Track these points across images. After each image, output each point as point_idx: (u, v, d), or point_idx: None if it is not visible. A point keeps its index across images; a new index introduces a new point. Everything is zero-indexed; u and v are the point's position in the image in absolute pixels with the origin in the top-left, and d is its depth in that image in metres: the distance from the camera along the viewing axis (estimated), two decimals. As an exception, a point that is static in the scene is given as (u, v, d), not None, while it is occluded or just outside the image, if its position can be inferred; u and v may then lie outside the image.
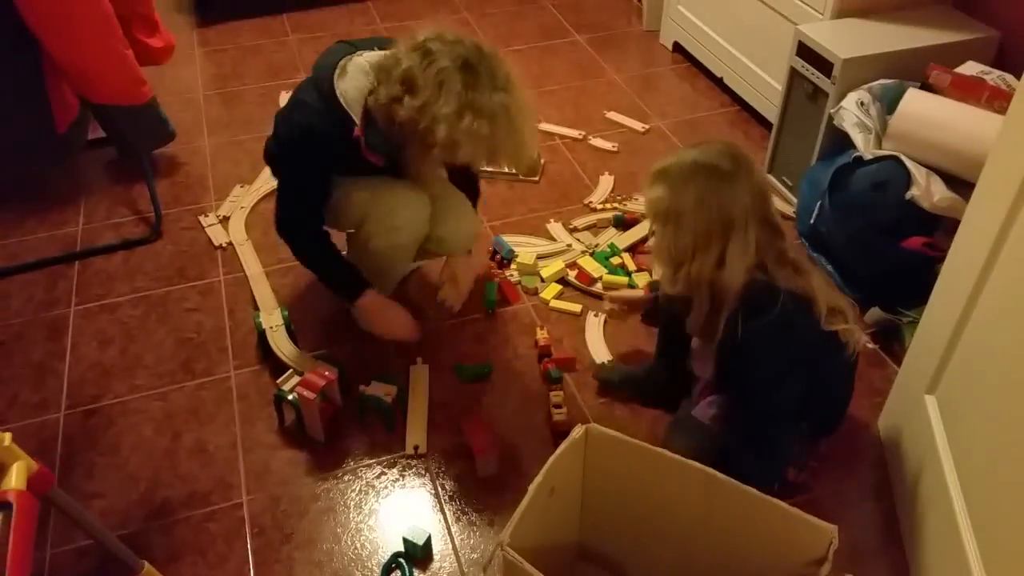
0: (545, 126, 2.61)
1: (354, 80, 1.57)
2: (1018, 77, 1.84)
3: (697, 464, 1.21)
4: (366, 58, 1.59)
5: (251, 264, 2.09)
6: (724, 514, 1.23)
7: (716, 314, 1.39)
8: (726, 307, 1.37)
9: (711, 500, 1.23)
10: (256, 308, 1.95)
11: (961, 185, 1.76)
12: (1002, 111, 1.77)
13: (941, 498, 1.33)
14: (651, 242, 1.46)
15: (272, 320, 1.86)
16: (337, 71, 1.58)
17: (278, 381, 1.72)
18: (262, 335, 1.84)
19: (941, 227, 1.78)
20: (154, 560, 1.42)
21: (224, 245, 2.16)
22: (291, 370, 1.74)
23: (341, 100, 1.56)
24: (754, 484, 1.18)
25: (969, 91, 1.81)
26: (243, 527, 1.53)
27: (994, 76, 1.84)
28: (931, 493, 1.39)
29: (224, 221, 2.25)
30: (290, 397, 1.65)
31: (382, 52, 1.58)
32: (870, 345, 1.83)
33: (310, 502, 1.57)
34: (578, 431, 1.26)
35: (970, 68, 1.89)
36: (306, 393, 1.61)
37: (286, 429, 1.70)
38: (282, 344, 1.81)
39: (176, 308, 1.99)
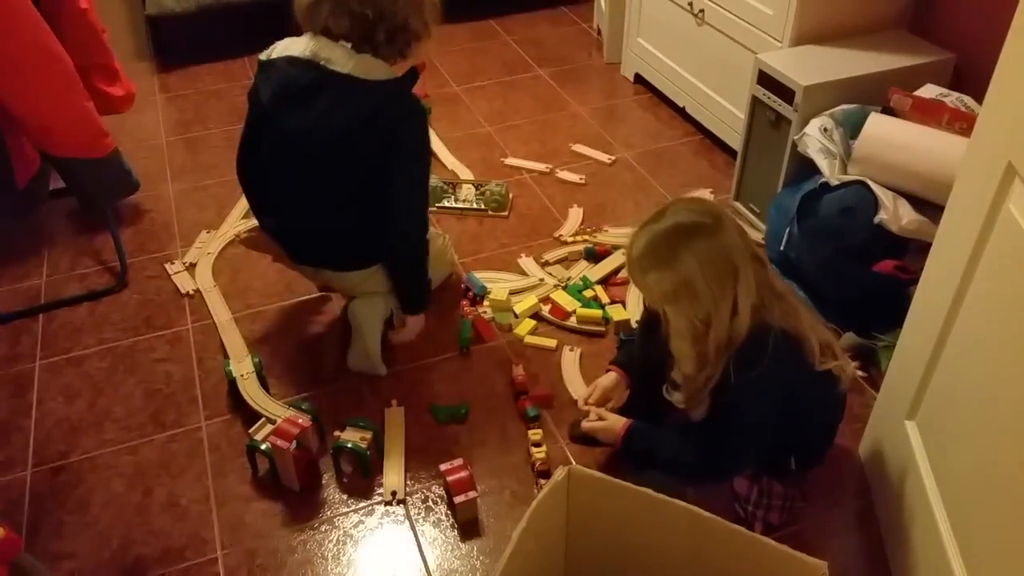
0: (512, 160, 2.62)
1: (368, 64, 1.61)
2: (976, 98, 1.88)
3: (683, 504, 1.19)
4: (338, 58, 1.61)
5: (219, 311, 2.05)
6: (711, 553, 1.21)
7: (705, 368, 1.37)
8: (722, 358, 1.34)
9: (697, 540, 1.21)
10: (226, 356, 1.91)
11: (928, 207, 1.78)
12: (963, 132, 1.82)
13: (926, 524, 1.33)
14: (666, 328, 1.41)
15: (242, 368, 1.82)
16: (350, 70, 1.59)
17: (250, 431, 1.68)
18: (233, 384, 1.79)
19: (911, 250, 1.80)
20: (127, 625, 1.38)
21: (191, 292, 2.13)
22: (263, 419, 1.70)
23: (378, 79, 1.61)
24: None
25: (930, 113, 1.85)
26: (219, 584, 1.48)
27: (953, 98, 1.87)
28: (916, 519, 1.38)
29: (191, 268, 2.21)
30: (263, 447, 1.61)
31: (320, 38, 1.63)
32: (861, 374, 1.82)
33: (287, 555, 1.53)
34: (560, 473, 1.24)
35: (929, 91, 1.92)
36: (280, 442, 1.57)
37: (260, 480, 1.66)
38: (253, 392, 1.77)
39: (144, 359, 1.95)
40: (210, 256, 2.24)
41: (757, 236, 2.24)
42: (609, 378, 1.67)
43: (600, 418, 1.60)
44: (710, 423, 1.42)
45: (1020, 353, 1.08)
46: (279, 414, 1.69)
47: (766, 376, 1.32)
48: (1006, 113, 1.16)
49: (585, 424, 1.62)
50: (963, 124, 1.82)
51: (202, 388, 1.86)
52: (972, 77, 2.05)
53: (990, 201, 1.17)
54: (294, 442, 1.58)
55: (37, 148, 2.11)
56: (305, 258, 1.86)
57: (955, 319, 1.30)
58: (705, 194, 2.42)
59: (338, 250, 1.79)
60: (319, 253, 1.83)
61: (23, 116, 1.97)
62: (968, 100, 1.88)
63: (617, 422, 1.57)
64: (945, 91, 1.92)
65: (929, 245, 1.78)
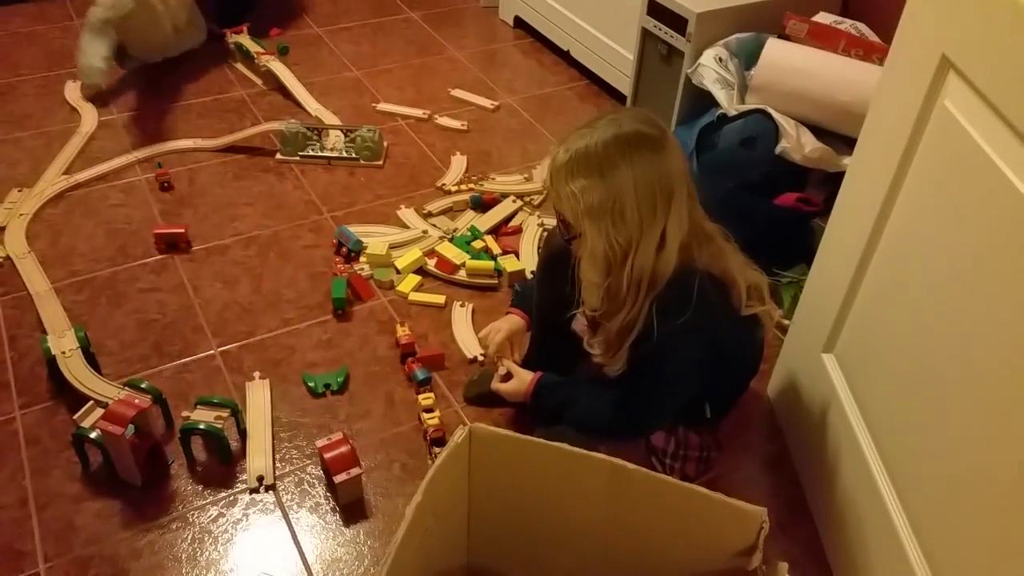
0: (385, 106, 2.38)
1: None
2: (868, 25, 1.82)
3: (602, 456, 1.02)
4: None
5: (36, 280, 1.71)
6: (636, 509, 1.05)
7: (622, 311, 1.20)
8: (641, 301, 1.17)
9: (619, 495, 1.05)
10: (44, 332, 1.58)
11: (827, 135, 1.70)
12: (860, 58, 1.74)
13: (852, 457, 1.24)
14: (580, 249, 1.22)
15: (64, 344, 1.50)
16: None
17: (76, 417, 1.38)
18: (53, 363, 1.48)
19: (811, 180, 1.72)
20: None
21: (0, 260, 1.77)
22: (92, 402, 1.40)
23: None
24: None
25: (827, 40, 1.76)
26: (41, 605, 1.20)
27: (847, 24, 1.80)
28: (840, 454, 1.29)
29: (0, 232, 1.84)
30: (93, 435, 1.33)
31: None
32: (786, 321, 1.70)
33: (130, 560, 1.26)
34: (460, 434, 1.04)
35: (823, 18, 1.84)
36: (112, 428, 1.29)
37: (92, 475, 1.37)
38: (79, 372, 1.47)
39: (-60, 341, 1.59)
40: (23, 218, 1.88)
41: (650, 180, 2.12)
42: (511, 320, 1.48)
43: (508, 373, 1.41)
44: (629, 376, 1.25)
45: (958, 267, 0.98)
46: (112, 395, 1.40)
47: (691, 324, 1.16)
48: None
49: (494, 384, 1.43)
50: (859, 50, 1.74)
51: (15, 371, 1.54)
52: (860, 5, 1.99)
53: (922, 99, 1.06)
54: (131, 427, 1.30)
55: None
56: None
57: (879, 240, 1.19)
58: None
59: None
60: None
61: None
62: (862, 27, 1.81)
63: (525, 377, 1.39)
64: (839, 18, 1.85)
65: (830, 176, 1.72)
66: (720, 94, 1.79)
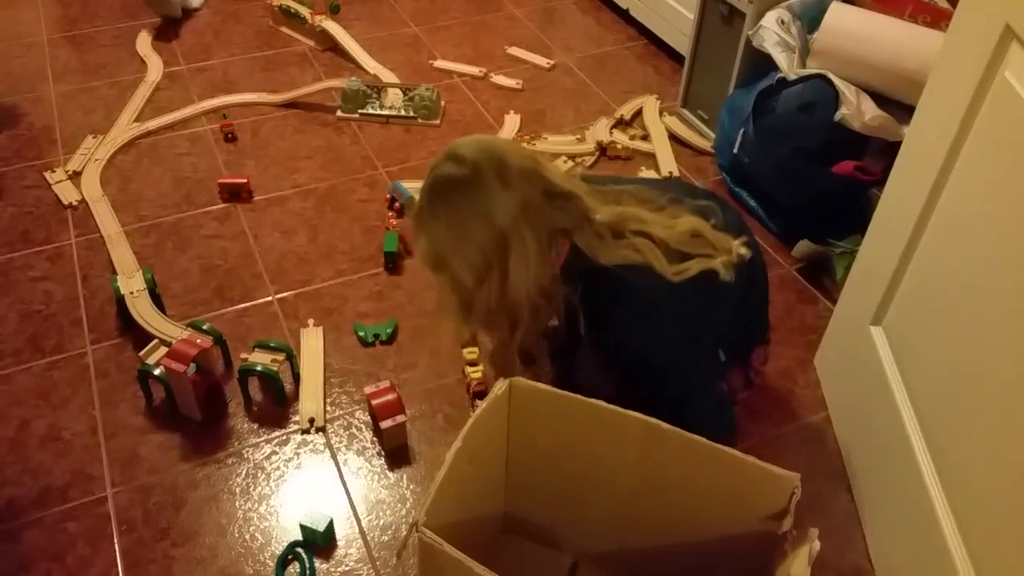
0: (441, 63, 2.39)
1: None
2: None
3: (638, 415, 1.05)
4: None
5: (108, 223, 1.80)
6: (668, 468, 1.08)
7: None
8: (528, 317, 1.17)
9: (653, 454, 1.07)
10: (114, 272, 1.67)
11: (889, 103, 1.66)
12: (927, 24, 1.69)
13: (893, 430, 1.23)
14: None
15: (133, 285, 1.59)
16: None
17: (141, 354, 1.46)
18: (122, 302, 1.57)
19: (870, 149, 1.68)
20: (2, 572, 1.19)
21: (75, 203, 1.86)
22: (156, 340, 1.48)
23: None
24: (716, 440, 1.02)
25: (892, 5, 1.71)
26: (109, 525, 1.29)
27: (916, -11, 1.73)
28: (881, 426, 1.28)
29: (75, 176, 1.94)
30: (157, 371, 1.41)
31: None
32: (743, 251, 1.54)
33: (188, 491, 1.34)
34: (501, 386, 1.08)
35: (891, -19, 1.78)
36: (175, 365, 1.36)
37: (155, 409, 1.46)
38: (145, 312, 1.55)
39: (20, 277, 1.69)
40: (98, 163, 1.97)
41: (706, 144, 2.10)
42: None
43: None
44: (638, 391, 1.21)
45: (1011, 242, 0.96)
46: (175, 335, 1.48)
47: (640, 308, 1.15)
48: (1005, -32, 1.01)
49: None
50: (927, 16, 1.68)
51: (87, 309, 1.63)
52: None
53: (983, 69, 1.03)
54: (192, 365, 1.38)
55: None
56: None
57: (932, 212, 1.17)
58: (650, 101, 2.24)
59: None
60: None
61: None
62: (933, -10, 1.74)
63: None
64: (909, -19, 1.78)
65: (890, 145, 1.68)
66: (780, 57, 1.75)
